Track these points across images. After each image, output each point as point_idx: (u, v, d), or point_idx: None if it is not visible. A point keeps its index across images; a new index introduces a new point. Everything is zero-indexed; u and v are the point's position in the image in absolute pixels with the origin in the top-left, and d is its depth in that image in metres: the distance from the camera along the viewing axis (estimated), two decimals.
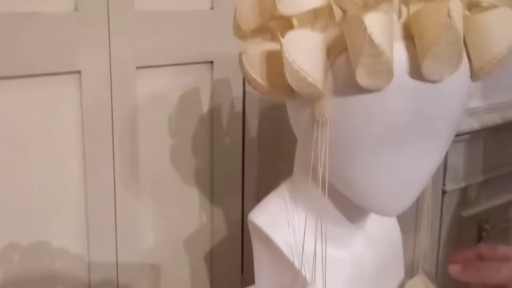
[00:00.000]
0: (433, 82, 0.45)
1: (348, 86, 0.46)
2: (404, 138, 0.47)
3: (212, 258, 0.95)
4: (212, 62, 0.89)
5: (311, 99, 0.49)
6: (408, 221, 1.05)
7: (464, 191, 1.20)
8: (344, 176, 0.50)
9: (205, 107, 0.91)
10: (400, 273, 0.60)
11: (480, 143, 1.19)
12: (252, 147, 0.96)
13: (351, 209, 0.55)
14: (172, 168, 0.89)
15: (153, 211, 0.88)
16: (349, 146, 0.48)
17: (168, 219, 0.90)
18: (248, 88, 0.94)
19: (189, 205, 0.92)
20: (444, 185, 1.14)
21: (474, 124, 1.14)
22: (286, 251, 0.54)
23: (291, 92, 0.50)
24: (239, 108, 0.94)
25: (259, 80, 0.51)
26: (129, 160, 0.83)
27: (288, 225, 0.55)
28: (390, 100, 0.46)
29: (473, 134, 1.15)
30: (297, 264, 0.53)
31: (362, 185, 0.50)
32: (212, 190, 0.93)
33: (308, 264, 0.53)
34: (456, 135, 1.13)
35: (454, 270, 0.54)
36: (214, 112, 0.92)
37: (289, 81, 0.47)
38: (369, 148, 0.48)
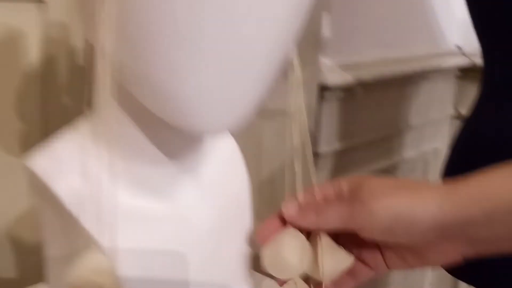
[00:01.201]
0: None
1: None
2: None
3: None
4: (40, 1, 0.71)
5: None
6: (274, 181, 0.89)
7: (339, 155, 1.07)
8: (139, 70, 0.33)
9: (34, 58, 0.72)
10: (245, 234, 0.44)
11: (357, 102, 1.07)
12: None
13: (169, 139, 0.38)
14: None
15: None
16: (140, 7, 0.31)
17: None
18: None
19: (16, 184, 0.72)
20: (316, 147, 1.00)
21: (348, 77, 1.02)
22: (69, 203, 0.36)
23: None
24: (81, 60, 0.76)
25: None
26: None
27: (80, 170, 0.38)
28: None
29: (348, 90, 1.03)
30: (84, 220, 0.36)
31: (166, 79, 0.33)
32: None
33: (103, 220, 0.36)
34: (331, 89, 1.01)
35: (289, 212, 0.38)
36: (47, 65, 0.73)
37: None
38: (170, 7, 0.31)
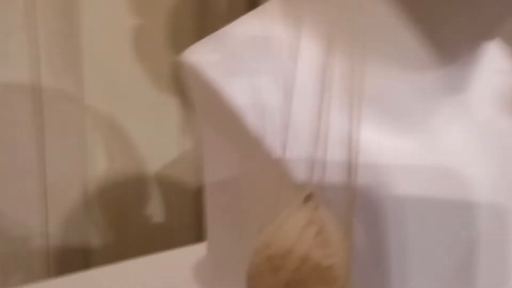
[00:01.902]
0: None
1: None
2: None
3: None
4: None
5: None
6: None
7: None
8: None
9: None
10: None
11: None
12: None
13: (441, 33, 0.22)
14: (135, 62, 0.60)
15: (101, 132, 0.59)
16: None
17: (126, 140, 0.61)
18: None
19: (169, 125, 0.63)
20: None
21: None
22: (248, 116, 0.22)
23: None
24: None
25: None
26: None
27: (268, 70, 0.23)
28: None
29: None
30: (271, 143, 0.21)
31: None
32: None
33: (306, 146, 0.21)
34: None
35: None
36: None
37: None
38: None
